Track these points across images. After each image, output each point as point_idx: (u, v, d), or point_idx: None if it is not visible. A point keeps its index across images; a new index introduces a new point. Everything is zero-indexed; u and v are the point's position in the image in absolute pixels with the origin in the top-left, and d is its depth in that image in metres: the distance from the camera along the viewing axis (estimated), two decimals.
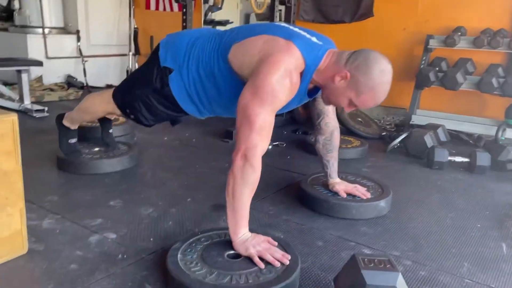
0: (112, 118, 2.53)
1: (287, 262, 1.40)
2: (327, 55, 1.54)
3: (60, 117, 2.37)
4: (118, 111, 2.05)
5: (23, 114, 3.78)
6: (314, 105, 1.97)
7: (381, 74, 1.44)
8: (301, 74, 1.51)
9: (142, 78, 1.89)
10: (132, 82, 2.00)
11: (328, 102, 1.61)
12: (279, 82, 1.43)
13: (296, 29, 1.60)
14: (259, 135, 1.42)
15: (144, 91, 1.86)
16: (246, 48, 1.56)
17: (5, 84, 4.43)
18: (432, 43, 3.55)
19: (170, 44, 1.81)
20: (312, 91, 1.64)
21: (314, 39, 1.58)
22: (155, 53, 1.84)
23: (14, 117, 1.41)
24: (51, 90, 4.64)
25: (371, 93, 1.45)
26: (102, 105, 2.14)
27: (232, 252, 1.46)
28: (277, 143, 3.15)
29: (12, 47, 4.92)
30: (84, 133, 2.72)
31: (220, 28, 5.78)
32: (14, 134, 1.42)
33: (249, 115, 1.42)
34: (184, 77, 1.75)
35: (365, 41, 4.05)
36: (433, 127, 3.14)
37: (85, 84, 5.06)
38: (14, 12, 5.02)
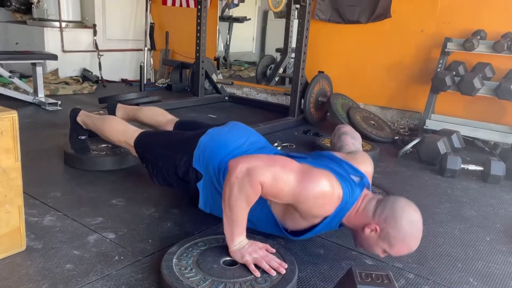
0: None
1: (284, 271, 1.37)
2: (360, 198, 1.48)
3: (75, 113, 2.36)
4: (134, 154, 2.02)
5: (36, 106, 3.83)
6: (338, 138, 1.94)
7: (411, 225, 1.39)
8: (337, 207, 1.44)
9: (169, 156, 1.81)
10: (158, 149, 1.89)
11: (360, 247, 1.55)
12: (319, 187, 1.38)
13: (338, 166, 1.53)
14: (272, 176, 1.36)
15: (166, 167, 1.82)
16: None
17: (21, 76, 4.49)
18: (450, 46, 3.45)
19: (207, 152, 1.72)
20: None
21: (353, 176, 1.51)
22: (191, 143, 1.77)
23: (14, 114, 1.41)
24: (66, 83, 4.69)
25: (403, 244, 1.40)
26: (121, 141, 2.08)
27: (228, 258, 1.43)
28: (287, 144, 3.11)
29: (30, 40, 4.99)
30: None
31: (237, 24, 5.76)
32: (14, 131, 1.41)
33: (283, 164, 1.40)
34: (212, 189, 1.71)
35: (382, 42, 3.98)
36: (447, 133, 3.06)
37: (100, 78, 5.10)
38: (33, 5, 5.08)
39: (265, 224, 1.62)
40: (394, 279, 1.18)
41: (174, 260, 1.40)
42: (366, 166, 1.63)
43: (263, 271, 1.37)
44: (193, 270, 1.35)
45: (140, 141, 1.98)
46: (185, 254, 1.44)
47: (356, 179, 1.51)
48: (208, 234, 1.60)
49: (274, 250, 1.48)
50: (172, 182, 1.88)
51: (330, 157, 1.60)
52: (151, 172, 1.92)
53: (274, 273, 1.36)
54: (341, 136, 1.93)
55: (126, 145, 2.06)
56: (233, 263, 1.41)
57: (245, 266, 1.38)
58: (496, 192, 2.45)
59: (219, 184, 1.67)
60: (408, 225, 1.38)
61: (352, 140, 1.90)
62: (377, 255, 1.51)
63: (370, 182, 1.62)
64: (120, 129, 2.11)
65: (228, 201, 1.38)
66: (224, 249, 1.46)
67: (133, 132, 2.04)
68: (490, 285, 1.53)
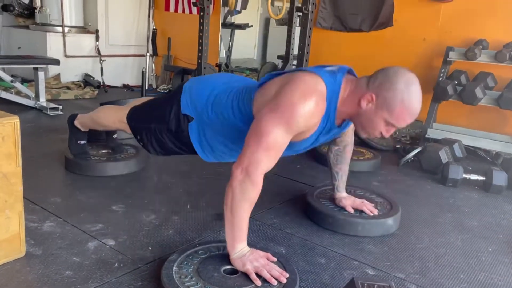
0: None
1: (284, 281, 1.36)
2: (345, 81, 1.48)
3: (73, 118, 2.38)
4: (129, 131, 2.02)
5: (38, 111, 3.83)
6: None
7: (407, 84, 1.37)
8: (326, 99, 1.44)
9: (159, 114, 1.83)
10: (148, 113, 1.93)
11: (365, 132, 1.51)
12: (302, 101, 1.37)
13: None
14: (265, 153, 1.36)
15: (158, 127, 1.82)
16: (268, 87, 1.52)
17: (23, 81, 4.50)
18: (452, 55, 3.45)
19: (193, 92, 1.76)
20: (342, 123, 1.58)
21: (328, 68, 1.52)
22: (176, 94, 1.80)
23: (16, 120, 1.40)
24: (68, 88, 4.69)
25: (403, 105, 1.37)
26: (115, 122, 2.10)
27: (229, 267, 1.42)
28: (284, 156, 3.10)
29: (32, 44, 5.00)
30: (94, 135, 2.72)
31: (239, 31, 5.78)
32: (16, 137, 1.41)
33: (261, 130, 1.37)
34: (205, 127, 1.72)
35: (384, 50, 3.98)
36: (449, 142, 3.05)
37: (102, 83, 5.11)
38: (36, 10, 5.10)
39: None
40: None
41: (174, 268, 1.39)
42: None
43: (264, 280, 1.35)
44: (194, 279, 1.34)
45: (132, 114, 1.99)
46: (185, 262, 1.43)
47: (331, 68, 1.50)
48: (209, 242, 1.59)
49: (275, 259, 1.46)
50: (168, 144, 1.85)
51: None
52: (145, 141, 1.90)
53: (275, 282, 1.35)
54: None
55: (121, 124, 2.04)
56: (234, 271, 1.40)
57: (246, 275, 1.37)
58: (498, 202, 2.44)
59: (209, 119, 1.68)
60: (403, 84, 1.36)
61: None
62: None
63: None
64: (113, 112, 2.16)
65: (230, 204, 1.38)
66: (225, 257, 1.45)
67: (125, 109, 2.05)
68: None
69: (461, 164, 2.74)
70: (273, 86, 1.49)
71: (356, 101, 1.43)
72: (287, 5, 4.60)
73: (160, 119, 1.82)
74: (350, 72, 1.55)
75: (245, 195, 1.36)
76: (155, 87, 5.64)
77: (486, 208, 2.35)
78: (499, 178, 2.54)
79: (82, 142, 2.40)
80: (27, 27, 5.22)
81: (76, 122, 2.36)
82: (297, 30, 4.64)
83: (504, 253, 1.84)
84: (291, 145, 1.46)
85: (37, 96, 3.87)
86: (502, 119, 3.41)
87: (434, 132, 3.41)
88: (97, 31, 5.21)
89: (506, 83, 3.31)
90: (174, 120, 1.77)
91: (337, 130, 1.58)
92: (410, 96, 1.37)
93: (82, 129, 2.36)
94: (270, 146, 1.36)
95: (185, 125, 1.75)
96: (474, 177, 2.65)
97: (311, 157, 3.03)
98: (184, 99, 1.76)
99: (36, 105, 3.85)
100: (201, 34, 4.24)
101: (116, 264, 1.52)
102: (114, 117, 2.11)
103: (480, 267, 1.72)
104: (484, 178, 2.61)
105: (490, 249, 1.87)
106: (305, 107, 1.36)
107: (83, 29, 5.28)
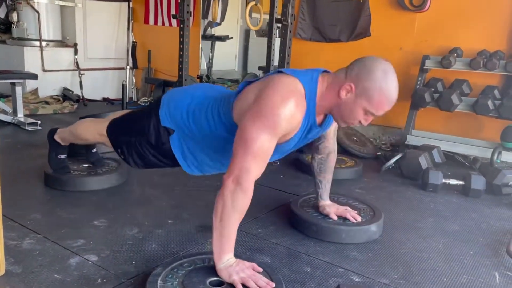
0: None
1: None
2: (321, 77, 1.51)
3: (53, 132, 2.34)
4: (109, 145, 1.99)
5: (15, 127, 3.76)
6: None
7: (384, 72, 1.41)
8: (305, 98, 1.46)
9: (139, 127, 1.82)
10: (128, 126, 1.91)
11: (343, 122, 1.54)
12: (282, 104, 1.38)
13: None
14: (254, 160, 1.37)
15: (138, 140, 1.81)
16: (246, 93, 1.53)
17: (0, 96, 4.42)
18: (428, 63, 3.54)
19: (171, 105, 1.75)
20: (323, 122, 1.61)
21: (304, 70, 1.56)
22: (155, 107, 1.79)
23: None
24: (46, 102, 4.62)
25: (381, 93, 1.40)
26: (95, 135, 2.07)
27: (214, 278, 1.41)
28: (271, 161, 3.11)
29: (9, 59, 4.92)
30: (75, 149, 2.68)
31: (219, 42, 5.80)
32: None
33: (246, 138, 1.38)
34: (187, 139, 1.72)
35: None
36: (428, 148, 3.11)
37: (81, 97, 5.05)
38: (12, 25, 5.03)
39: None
40: None
41: (159, 282, 1.37)
42: None
43: None
44: None
45: (111, 127, 1.97)
46: (170, 275, 1.41)
47: (307, 70, 1.54)
48: (194, 254, 1.58)
49: (261, 270, 1.46)
50: (149, 157, 1.83)
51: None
52: (126, 154, 1.88)
53: None
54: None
55: (101, 137, 2.02)
56: (220, 283, 1.39)
57: (232, 286, 1.36)
58: (477, 206, 2.49)
59: (191, 132, 1.68)
60: (381, 72, 1.39)
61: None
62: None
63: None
64: (92, 125, 2.14)
65: (220, 214, 1.37)
66: (211, 269, 1.44)
67: (104, 122, 2.03)
68: None
69: (441, 169, 2.79)
70: (251, 92, 1.50)
71: (335, 92, 1.46)
72: (264, 16, 4.65)
73: (140, 132, 1.81)
74: (325, 71, 1.59)
75: (236, 205, 1.36)
76: (135, 100, 5.61)
77: (466, 212, 2.40)
78: (478, 182, 2.60)
79: (62, 156, 2.37)
80: (4, 41, 5.15)
81: (56, 137, 2.32)
82: (277, 41, 4.69)
83: (485, 256, 1.88)
84: (276, 148, 1.46)
85: (14, 112, 3.80)
86: (478, 125, 3.49)
87: (413, 138, 3.48)
88: (75, 44, 5.17)
89: (480, 90, 3.40)
90: (154, 133, 1.76)
91: (319, 129, 1.61)
92: (387, 84, 1.41)
93: (62, 144, 2.33)
94: (258, 152, 1.37)
95: (166, 137, 1.75)
96: (453, 182, 2.70)
97: (295, 166, 3.05)
98: (162, 112, 1.76)
99: (13, 121, 3.78)
100: (181, 46, 4.24)
101: (99, 280, 1.49)
102: (93, 130, 2.08)
103: (462, 270, 1.74)
104: (463, 183, 2.67)
105: (472, 252, 1.90)
106: (286, 110, 1.38)
107: (61, 43, 5.22)
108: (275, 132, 1.39)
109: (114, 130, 1.96)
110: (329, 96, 1.48)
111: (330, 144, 1.96)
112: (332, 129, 1.89)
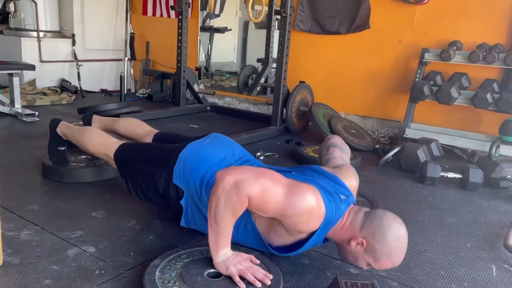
0: None
1: (269, 282, 1.36)
2: (347, 212, 1.48)
3: (55, 124, 2.31)
4: (114, 166, 1.98)
5: (13, 118, 3.74)
6: (326, 151, 1.92)
7: (397, 241, 1.39)
8: (321, 223, 1.44)
9: (149, 171, 1.78)
10: (138, 164, 1.85)
11: (344, 260, 1.55)
12: (306, 203, 1.36)
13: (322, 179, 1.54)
14: (257, 187, 1.33)
15: (146, 182, 1.79)
16: None
17: None
18: (427, 56, 3.53)
19: (187, 168, 1.70)
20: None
21: (339, 194, 1.50)
22: (171, 159, 1.73)
23: None
24: (44, 94, 4.60)
25: (388, 259, 1.40)
26: (100, 153, 2.03)
27: (212, 270, 1.41)
28: (269, 153, 3.11)
29: (6, 50, 4.89)
30: None
31: (218, 34, 5.77)
32: None
33: (265, 176, 1.37)
34: (193, 207, 1.69)
35: (361, 53, 4.04)
36: (427, 142, 3.11)
37: (79, 89, 5.03)
38: (9, 15, 4.99)
39: (249, 239, 1.59)
40: None
41: (157, 273, 1.37)
42: (351, 181, 1.63)
43: (248, 283, 1.35)
44: (177, 283, 1.33)
45: (119, 154, 1.93)
46: (168, 267, 1.42)
47: (342, 196, 1.49)
48: (192, 246, 1.58)
49: (258, 262, 1.46)
50: (152, 198, 1.84)
51: (317, 171, 1.60)
52: (130, 187, 1.87)
53: (259, 285, 1.35)
54: (329, 148, 1.91)
55: (106, 157, 2.01)
56: (218, 275, 1.40)
57: (230, 278, 1.37)
58: (475, 199, 2.50)
59: (201, 202, 1.64)
60: (394, 241, 1.38)
61: (340, 153, 1.88)
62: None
63: (355, 196, 1.62)
64: (99, 141, 2.06)
65: (214, 213, 1.36)
66: (208, 261, 1.44)
67: (112, 144, 1.98)
68: None
69: (439, 162, 2.79)
70: None
71: (347, 237, 1.44)
72: (266, 8, 4.63)
73: (149, 177, 1.77)
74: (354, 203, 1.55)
75: (229, 206, 1.33)
76: (134, 91, 5.59)
77: (463, 205, 2.40)
78: (476, 175, 2.60)
79: (62, 148, 2.35)
80: (1, 32, 5.11)
81: (58, 130, 2.30)
82: (276, 34, 4.68)
83: (482, 249, 1.88)
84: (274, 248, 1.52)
85: (12, 102, 3.78)
86: (477, 118, 3.49)
87: (412, 132, 3.48)
88: (73, 35, 5.14)
89: (479, 83, 3.40)
90: (163, 184, 1.74)
91: (321, 243, 1.59)
92: (397, 252, 1.40)
93: (64, 138, 2.31)
94: (266, 189, 1.34)
95: (174, 194, 1.72)
96: (451, 175, 2.70)
97: (293, 158, 3.05)
98: (177, 170, 1.71)
99: (11, 112, 3.76)
100: (180, 37, 4.23)
101: (97, 271, 1.49)
102: (99, 148, 2.03)
103: (459, 263, 1.75)
104: (461, 176, 2.67)
105: (469, 245, 1.91)
106: (306, 209, 1.37)
107: (59, 34, 5.19)
108: (287, 206, 1.36)
109: (122, 159, 1.92)
110: (340, 236, 1.47)
111: (334, 139, 1.95)
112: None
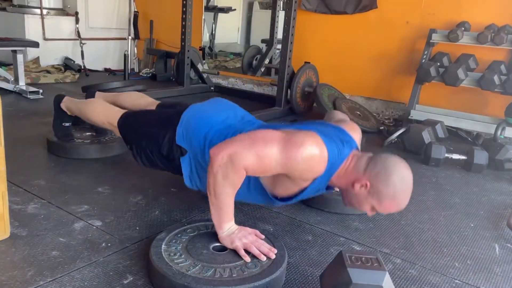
0: None
1: (273, 256, 1.37)
2: (350, 156, 1.46)
3: (59, 99, 2.32)
4: (118, 135, 1.98)
5: (17, 95, 3.74)
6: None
7: (401, 182, 1.37)
8: (325, 167, 1.41)
9: (152, 135, 1.77)
10: (141, 129, 1.85)
11: (349, 205, 1.52)
12: (308, 149, 1.33)
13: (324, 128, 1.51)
14: (253, 157, 1.32)
15: (150, 146, 1.78)
16: None
17: (1, 64, 4.38)
18: (435, 37, 3.48)
19: (190, 128, 1.69)
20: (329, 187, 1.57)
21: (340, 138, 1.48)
22: (173, 120, 1.73)
23: None
24: (48, 72, 4.58)
25: (393, 200, 1.38)
26: (104, 122, 2.03)
27: (218, 244, 1.42)
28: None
29: (10, 27, 4.86)
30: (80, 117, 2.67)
31: (222, 14, 5.71)
32: None
33: (261, 138, 1.35)
34: (197, 166, 1.68)
35: (368, 33, 3.99)
36: (432, 123, 3.10)
37: (82, 67, 5.01)
38: None
39: (253, 195, 1.59)
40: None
41: (163, 246, 1.38)
42: (355, 133, 1.62)
43: (253, 256, 1.36)
44: (183, 256, 1.34)
45: (123, 122, 1.94)
46: (174, 240, 1.43)
47: (343, 140, 1.48)
48: (197, 221, 1.59)
49: (263, 236, 1.47)
50: (156, 162, 1.82)
51: (320, 122, 1.59)
52: (135, 153, 1.87)
53: (264, 258, 1.36)
54: (331, 120, 1.91)
55: (110, 126, 2.01)
56: (223, 248, 1.41)
57: (235, 252, 1.38)
58: (479, 181, 2.50)
59: (204, 160, 1.63)
60: (399, 181, 1.37)
61: (342, 116, 1.89)
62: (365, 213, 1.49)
63: (359, 147, 1.61)
64: (103, 111, 2.07)
65: (213, 189, 1.36)
66: (214, 235, 1.45)
67: (116, 112, 1.99)
68: (474, 269, 1.56)
69: (443, 144, 2.78)
70: None
71: (350, 181, 1.42)
72: None
73: (152, 140, 1.77)
74: (357, 149, 1.53)
75: (227, 180, 1.33)
76: (137, 71, 5.56)
77: (467, 186, 2.41)
78: (480, 157, 2.60)
79: (67, 124, 2.36)
80: (4, 9, 5.07)
81: (62, 105, 2.30)
82: (281, 14, 4.61)
83: (485, 228, 1.89)
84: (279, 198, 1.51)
85: (16, 80, 3.78)
86: (483, 100, 3.47)
87: (417, 113, 3.46)
88: (76, 13, 5.09)
89: (487, 65, 3.36)
90: (167, 146, 1.73)
91: (325, 191, 1.58)
92: (401, 194, 1.38)
93: (69, 113, 2.31)
94: (262, 155, 1.33)
95: (178, 155, 1.71)
96: (456, 156, 2.70)
97: None
98: (180, 130, 1.70)
99: (15, 89, 3.76)
100: (184, 16, 4.18)
101: (103, 244, 1.51)
102: (103, 117, 2.03)
103: (462, 241, 1.76)
104: (466, 158, 2.67)
105: (472, 225, 1.92)
106: (308, 155, 1.34)
107: (62, 11, 5.15)
108: (288, 161, 1.34)
109: (125, 125, 1.92)
110: (344, 181, 1.45)
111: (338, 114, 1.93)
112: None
